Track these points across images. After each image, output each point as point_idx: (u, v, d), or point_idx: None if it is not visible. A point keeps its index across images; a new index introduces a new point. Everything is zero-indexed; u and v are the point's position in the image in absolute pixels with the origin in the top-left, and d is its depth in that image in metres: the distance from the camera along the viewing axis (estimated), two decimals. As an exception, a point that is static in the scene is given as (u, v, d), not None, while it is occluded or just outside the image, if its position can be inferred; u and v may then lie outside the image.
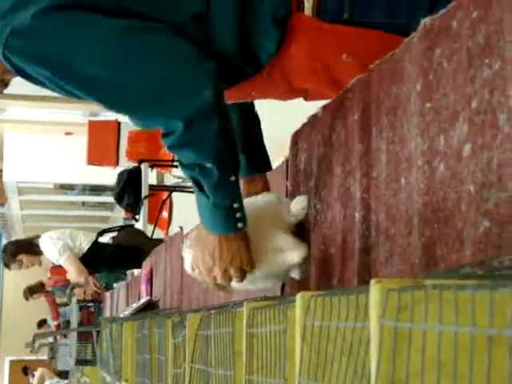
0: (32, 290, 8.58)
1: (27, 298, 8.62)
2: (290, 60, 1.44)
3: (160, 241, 5.30)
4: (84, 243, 5.02)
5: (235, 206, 1.30)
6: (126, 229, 5.47)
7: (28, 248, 5.20)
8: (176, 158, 1.38)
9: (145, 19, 1.26)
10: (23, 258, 5.27)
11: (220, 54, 1.35)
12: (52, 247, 5.03)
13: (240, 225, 1.31)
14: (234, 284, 1.35)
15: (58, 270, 7.72)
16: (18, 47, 1.21)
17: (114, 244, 5.11)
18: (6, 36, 1.19)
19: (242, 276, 1.32)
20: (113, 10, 1.25)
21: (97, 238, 5.07)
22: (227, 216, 1.30)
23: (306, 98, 1.51)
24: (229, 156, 1.31)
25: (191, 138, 1.25)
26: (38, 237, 5.17)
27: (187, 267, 1.41)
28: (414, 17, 1.53)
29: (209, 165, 1.26)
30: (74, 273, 5.06)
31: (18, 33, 1.20)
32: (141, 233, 5.49)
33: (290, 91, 1.48)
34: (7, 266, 5.42)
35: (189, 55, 1.28)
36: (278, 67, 1.44)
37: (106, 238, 5.16)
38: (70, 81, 1.25)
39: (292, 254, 1.32)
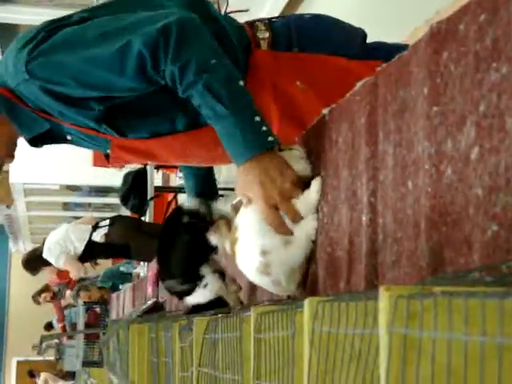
0: (40, 292, 8.81)
1: (38, 303, 8.83)
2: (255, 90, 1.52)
3: (151, 226, 5.30)
4: (76, 243, 5.22)
5: (257, 119, 1.28)
6: (118, 221, 5.29)
7: (44, 261, 5.52)
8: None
9: None
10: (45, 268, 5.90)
11: None
12: (51, 257, 5.36)
13: (271, 138, 1.27)
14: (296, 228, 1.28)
15: (62, 273, 7.93)
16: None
17: (107, 243, 5.16)
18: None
19: (298, 190, 1.26)
20: None
21: (90, 236, 5.16)
22: (253, 131, 1.26)
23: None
24: (227, 61, 1.35)
25: (185, 39, 1.32)
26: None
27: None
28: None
29: (213, 61, 1.31)
30: (73, 272, 5.46)
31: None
32: (132, 224, 5.39)
33: None
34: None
35: None
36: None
37: (98, 237, 5.20)
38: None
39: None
